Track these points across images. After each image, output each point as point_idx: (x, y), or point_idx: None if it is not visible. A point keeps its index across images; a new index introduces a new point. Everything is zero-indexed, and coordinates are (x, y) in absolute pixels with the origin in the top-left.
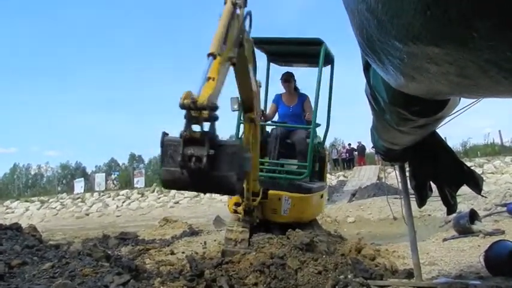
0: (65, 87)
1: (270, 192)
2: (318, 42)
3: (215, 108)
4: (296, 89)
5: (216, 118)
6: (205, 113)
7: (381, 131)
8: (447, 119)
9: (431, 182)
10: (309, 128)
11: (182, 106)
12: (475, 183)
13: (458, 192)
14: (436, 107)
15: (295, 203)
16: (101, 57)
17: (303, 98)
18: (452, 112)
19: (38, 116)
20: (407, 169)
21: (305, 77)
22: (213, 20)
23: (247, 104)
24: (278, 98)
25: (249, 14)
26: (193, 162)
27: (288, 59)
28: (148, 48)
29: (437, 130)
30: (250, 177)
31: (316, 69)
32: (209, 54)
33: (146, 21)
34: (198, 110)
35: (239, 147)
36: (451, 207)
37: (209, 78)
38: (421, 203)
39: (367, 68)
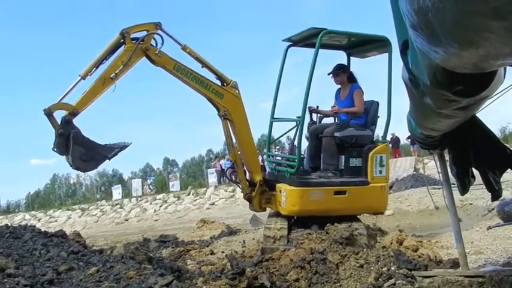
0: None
1: (277, 185)
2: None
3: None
4: (351, 80)
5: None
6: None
7: (420, 117)
8: (489, 100)
9: (473, 169)
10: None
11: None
12: None
13: (501, 179)
14: (480, 85)
15: (287, 195)
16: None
17: (353, 89)
18: (496, 92)
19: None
20: (446, 157)
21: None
22: None
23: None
24: (336, 93)
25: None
26: None
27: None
28: None
29: (477, 115)
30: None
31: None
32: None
33: None
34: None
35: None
36: (495, 192)
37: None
38: (464, 190)
39: (404, 51)
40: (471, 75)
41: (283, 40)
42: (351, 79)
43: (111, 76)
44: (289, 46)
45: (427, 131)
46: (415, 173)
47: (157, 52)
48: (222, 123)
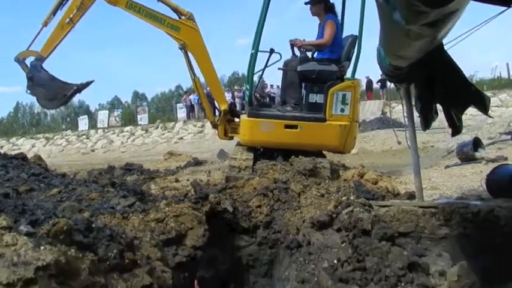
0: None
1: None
2: None
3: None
4: (328, 11)
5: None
6: None
7: (389, 42)
8: (459, 39)
9: (436, 106)
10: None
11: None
12: (483, 104)
13: (463, 123)
14: None
15: (241, 125)
16: None
17: (325, 20)
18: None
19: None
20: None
21: None
22: None
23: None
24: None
25: None
26: None
27: None
28: None
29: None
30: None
31: None
32: None
33: None
34: None
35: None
36: (456, 128)
37: None
38: (426, 126)
39: None
40: None
41: None
42: (329, 10)
43: (67, 21)
44: None
45: (395, 60)
46: (382, 116)
47: None
48: (183, 56)
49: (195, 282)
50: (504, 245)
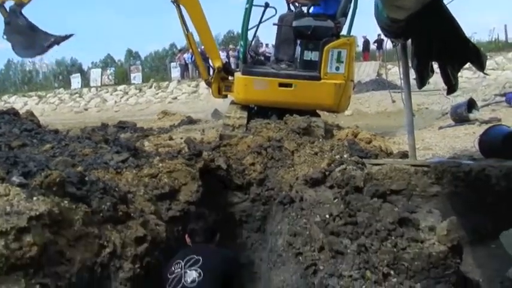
0: None
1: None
2: None
3: None
4: None
5: None
6: None
7: None
8: None
9: (432, 64)
10: None
11: None
12: (479, 61)
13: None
14: None
15: (235, 83)
16: None
17: None
18: None
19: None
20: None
21: None
22: None
23: None
24: None
25: None
26: None
27: None
28: None
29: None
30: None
31: None
32: None
33: None
34: None
35: None
36: (452, 86)
37: None
38: (421, 83)
39: None
40: None
41: None
42: None
43: None
44: None
45: (394, 11)
46: (377, 78)
47: None
48: (176, 9)
49: (186, 235)
50: (494, 204)
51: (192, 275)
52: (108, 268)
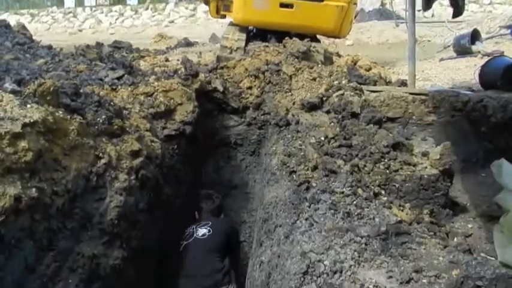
0: None
1: None
2: None
3: None
4: None
5: None
6: None
7: None
8: None
9: None
10: None
11: None
12: None
13: (462, 18)
14: None
15: (234, 2)
16: None
17: None
18: None
19: None
20: None
21: None
22: None
23: None
24: None
25: None
26: None
27: None
28: None
29: None
30: None
31: None
32: None
33: None
34: None
35: None
36: (458, 9)
37: None
38: (427, 6)
39: None
40: None
41: None
42: None
43: None
44: None
45: None
46: (381, 7)
47: None
48: None
49: (195, 213)
50: (488, 134)
51: (202, 231)
52: (103, 178)
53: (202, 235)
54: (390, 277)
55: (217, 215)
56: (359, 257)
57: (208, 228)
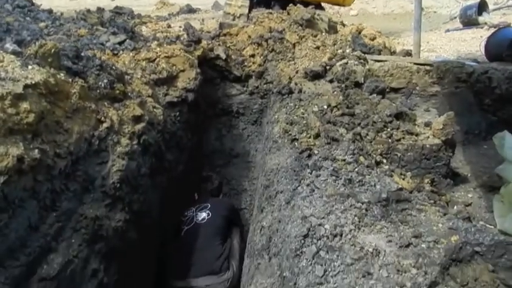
0: None
1: None
2: None
3: None
4: None
5: None
6: None
7: None
8: None
9: None
10: None
11: None
12: None
13: None
14: None
15: None
16: None
17: None
18: None
19: None
20: None
21: None
22: None
23: None
24: None
25: None
26: None
27: None
28: None
29: None
30: None
31: None
32: None
33: None
34: None
35: None
36: None
37: None
38: None
39: None
40: None
41: None
42: None
43: None
44: None
45: None
46: None
47: None
48: None
49: (195, 194)
50: (492, 106)
51: (202, 215)
52: (105, 141)
53: (202, 219)
54: (390, 241)
55: (217, 195)
56: (359, 221)
57: (208, 211)
